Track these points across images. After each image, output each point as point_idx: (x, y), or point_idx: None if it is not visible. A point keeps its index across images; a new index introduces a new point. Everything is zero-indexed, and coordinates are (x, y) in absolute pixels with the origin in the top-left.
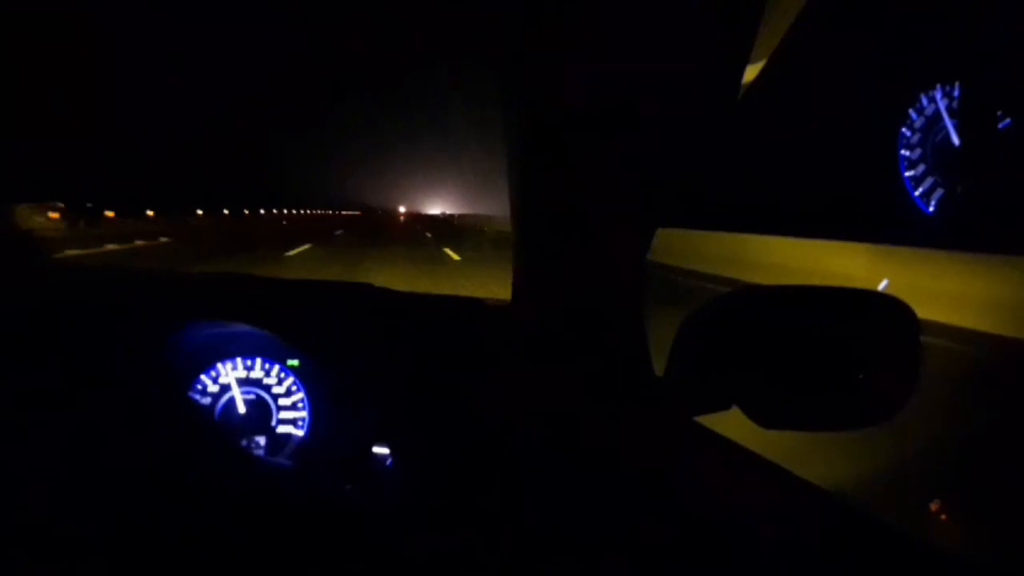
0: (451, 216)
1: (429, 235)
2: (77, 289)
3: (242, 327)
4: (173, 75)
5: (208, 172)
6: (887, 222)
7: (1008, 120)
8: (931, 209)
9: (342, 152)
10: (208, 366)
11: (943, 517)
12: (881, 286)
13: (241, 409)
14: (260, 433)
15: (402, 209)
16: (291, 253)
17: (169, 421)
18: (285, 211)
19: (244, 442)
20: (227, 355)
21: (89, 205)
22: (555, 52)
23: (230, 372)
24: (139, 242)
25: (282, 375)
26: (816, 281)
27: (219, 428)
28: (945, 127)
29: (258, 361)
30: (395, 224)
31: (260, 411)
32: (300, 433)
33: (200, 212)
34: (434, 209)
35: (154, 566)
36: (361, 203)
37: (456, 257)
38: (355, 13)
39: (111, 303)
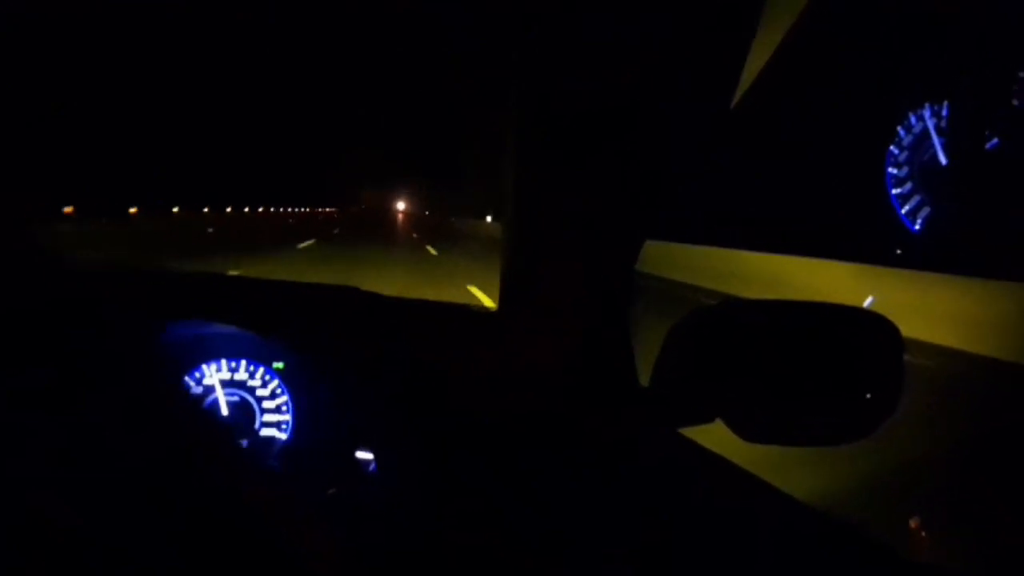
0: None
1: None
2: (63, 287)
3: (227, 328)
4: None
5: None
6: (874, 240)
7: (995, 139)
8: (917, 228)
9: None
10: (192, 367)
11: (922, 533)
12: (866, 303)
13: (224, 411)
14: (243, 436)
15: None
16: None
17: (166, 419)
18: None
19: None
20: (212, 356)
21: None
22: (554, 53)
23: (214, 374)
24: None
25: (267, 377)
26: (801, 298)
27: (216, 426)
28: (933, 145)
29: (243, 363)
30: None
31: (243, 413)
32: (283, 436)
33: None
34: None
35: (155, 566)
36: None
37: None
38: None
39: (96, 300)
